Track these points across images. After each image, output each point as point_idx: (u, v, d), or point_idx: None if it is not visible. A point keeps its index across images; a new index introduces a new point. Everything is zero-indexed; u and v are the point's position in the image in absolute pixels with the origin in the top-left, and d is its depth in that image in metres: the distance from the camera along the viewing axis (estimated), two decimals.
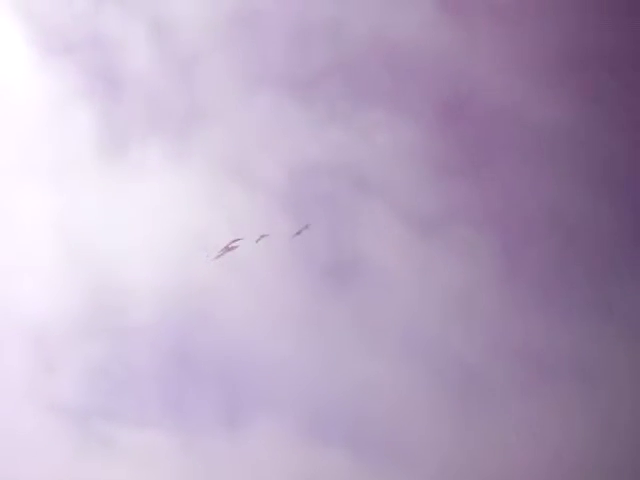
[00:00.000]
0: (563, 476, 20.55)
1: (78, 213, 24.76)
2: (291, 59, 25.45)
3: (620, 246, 23.42)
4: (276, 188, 24.87)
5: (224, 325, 24.72)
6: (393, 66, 25.24)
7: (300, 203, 24.87)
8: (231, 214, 24.51)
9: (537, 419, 21.97)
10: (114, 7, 25.66)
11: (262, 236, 20.48)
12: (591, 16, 23.98)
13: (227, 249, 20.07)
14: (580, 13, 24.13)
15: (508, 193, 24.06)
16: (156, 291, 24.13)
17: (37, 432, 22.78)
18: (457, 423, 22.98)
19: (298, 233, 20.37)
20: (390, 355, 27.62)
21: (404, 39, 25.13)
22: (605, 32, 23.82)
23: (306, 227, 20.12)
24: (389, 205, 24.54)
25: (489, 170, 24.31)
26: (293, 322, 25.39)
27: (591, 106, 23.85)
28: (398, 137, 24.90)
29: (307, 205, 24.89)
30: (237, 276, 23.82)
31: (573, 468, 20.47)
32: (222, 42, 25.72)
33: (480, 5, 24.74)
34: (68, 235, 24.52)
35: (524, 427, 22.26)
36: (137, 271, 24.25)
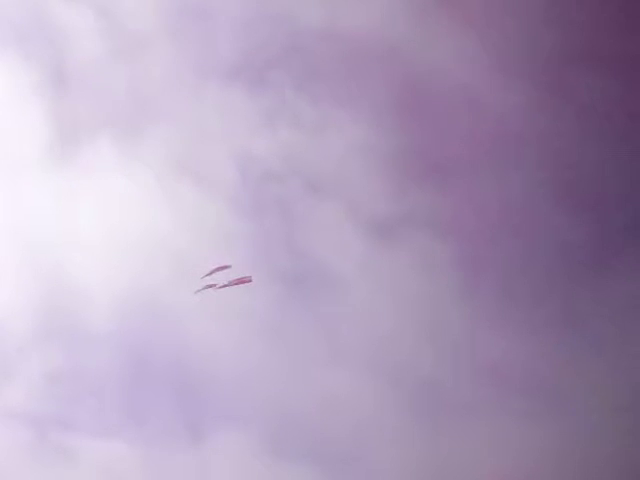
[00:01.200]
0: None
1: (31, 214, 24.09)
2: (242, 51, 24.44)
3: (586, 255, 22.40)
4: (230, 189, 24.00)
5: (184, 334, 24.08)
6: (347, 60, 24.05)
7: (256, 206, 23.97)
8: (187, 217, 23.67)
9: (505, 434, 21.43)
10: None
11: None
12: (553, 10, 22.74)
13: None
14: (541, 7, 22.88)
15: (471, 198, 23.07)
16: (115, 297, 23.45)
17: None
18: (423, 438, 22.46)
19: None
20: (354, 369, 26.86)
21: (360, 31, 23.95)
22: (569, 26, 22.63)
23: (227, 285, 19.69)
24: (345, 211, 23.57)
25: (451, 173, 23.27)
26: (255, 332, 24.71)
27: (562, 107, 22.71)
28: (353, 136, 23.80)
29: (263, 209, 24.01)
30: (198, 285, 22.79)
31: None
32: (171, 33, 24.77)
33: None
34: (21, 237, 23.82)
35: (492, 443, 21.69)
36: (94, 275, 23.55)
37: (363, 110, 23.60)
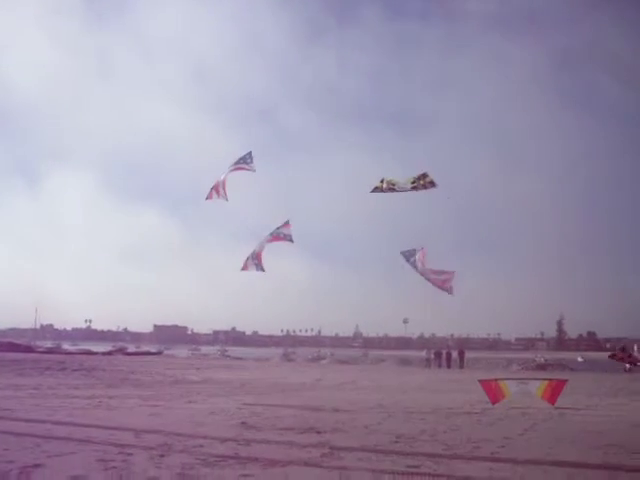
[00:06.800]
0: None
1: None
2: None
3: None
4: None
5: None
6: None
7: None
8: None
9: (340, 166, 21.24)
10: None
11: None
12: None
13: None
14: None
15: None
16: None
17: None
18: (267, 174, 22.54)
19: None
20: (180, 102, 25.93)
21: None
22: None
23: None
24: None
25: None
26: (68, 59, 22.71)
27: None
28: None
29: None
30: None
31: None
32: None
33: None
34: None
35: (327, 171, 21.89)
36: None
37: None
